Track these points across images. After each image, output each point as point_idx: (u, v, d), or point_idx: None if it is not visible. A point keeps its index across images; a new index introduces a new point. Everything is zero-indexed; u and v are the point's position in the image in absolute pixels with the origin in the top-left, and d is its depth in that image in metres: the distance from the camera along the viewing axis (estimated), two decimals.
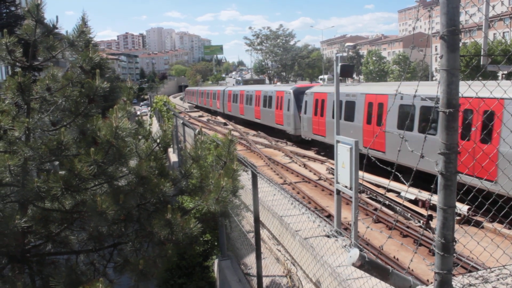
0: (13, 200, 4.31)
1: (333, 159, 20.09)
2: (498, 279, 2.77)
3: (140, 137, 4.95)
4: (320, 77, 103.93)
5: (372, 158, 3.62)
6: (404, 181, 3.13)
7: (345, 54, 10.18)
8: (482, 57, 2.91)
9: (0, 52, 4.47)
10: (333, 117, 22.24)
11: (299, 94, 29.54)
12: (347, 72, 10.42)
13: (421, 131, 16.95)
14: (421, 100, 16.14)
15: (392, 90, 18.85)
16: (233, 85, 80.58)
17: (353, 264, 2.52)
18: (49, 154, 4.06)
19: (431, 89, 11.92)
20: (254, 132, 37.60)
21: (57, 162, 4.64)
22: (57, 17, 4.72)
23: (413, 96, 3.23)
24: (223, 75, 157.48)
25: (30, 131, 4.23)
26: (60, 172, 4.31)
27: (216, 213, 4.53)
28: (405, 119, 17.79)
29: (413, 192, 15.64)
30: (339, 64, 10.10)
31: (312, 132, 26.53)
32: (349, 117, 21.74)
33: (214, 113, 56.54)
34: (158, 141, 4.94)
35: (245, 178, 6.81)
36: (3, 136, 4.30)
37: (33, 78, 4.73)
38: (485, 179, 11.32)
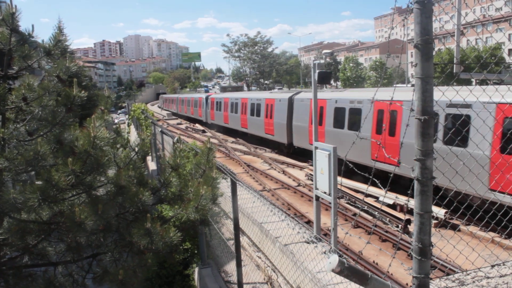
0: None
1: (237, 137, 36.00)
2: (473, 282, 2.82)
3: (118, 145, 4.92)
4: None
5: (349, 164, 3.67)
6: (381, 187, 3.18)
7: (322, 61, 10.28)
8: (455, 65, 2.97)
9: None
10: (217, 110, 45.36)
11: (209, 98, 49.19)
12: (325, 78, 10.54)
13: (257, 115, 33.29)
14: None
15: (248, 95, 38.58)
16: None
17: (333, 270, 2.54)
18: (26, 165, 4.00)
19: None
20: (233, 139, 37.65)
21: (33, 172, 4.58)
22: (32, 26, 4.66)
23: None
24: (201, 83, 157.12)
25: (5, 142, 4.16)
26: (37, 182, 4.26)
27: (195, 221, 4.52)
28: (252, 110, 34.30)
29: (391, 197, 15.83)
30: (317, 71, 10.20)
31: (210, 119, 47.96)
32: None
33: (175, 114, 72.39)
34: (136, 149, 4.91)
35: (224, 185, 6.82)
36: None
37: (8, 87, 4.66)
38: None
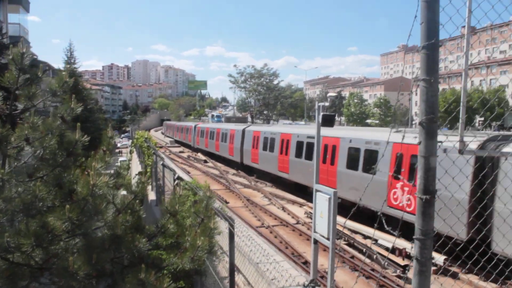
0: None
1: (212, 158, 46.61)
2: None
3: (117, 187, 4.87)
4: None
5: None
6: (369, 227, 3.14)
7: (327, 104, 10.34)
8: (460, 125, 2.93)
9: None
10: (201, 137, 56.18)
11: (196, 127, 58.82)
12: (328, 121, 10.59)
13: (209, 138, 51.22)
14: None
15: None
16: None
17: None
18: (23, 207, 3.97)
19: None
20: (234, 171, 37.60)
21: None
22: (41, 66, 4.72)
23: None
24: (212, 112, 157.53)
25: (4, 182, 4.14)
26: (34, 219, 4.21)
27: (190, 271, 4.45)
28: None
29: (390, 240, 15.66)
30: (321, 113, 10.25)
31: (196, 144, 57.56)
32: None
33: (176, 141, 77.98)
34: (135, 193, 4.87)
35: (223, 224, 6.81)
36: None
37: (12, 125, 4.67)
38: None
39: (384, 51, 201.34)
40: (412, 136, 15.18)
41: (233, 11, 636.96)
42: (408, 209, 16.11)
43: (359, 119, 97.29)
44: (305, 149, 25.65)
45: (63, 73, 4.82)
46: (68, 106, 4.59)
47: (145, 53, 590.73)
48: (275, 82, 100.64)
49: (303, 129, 29.57)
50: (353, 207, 4.23)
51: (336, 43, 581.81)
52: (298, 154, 26.38)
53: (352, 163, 20.45)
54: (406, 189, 16.68)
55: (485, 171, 11.82)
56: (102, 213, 4.04)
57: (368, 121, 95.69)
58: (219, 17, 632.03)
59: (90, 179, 3.82)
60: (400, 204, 16.84)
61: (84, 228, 4.04)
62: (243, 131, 37.31)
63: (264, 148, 31.85)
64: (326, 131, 22.24)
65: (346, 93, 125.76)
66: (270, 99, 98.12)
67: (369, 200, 17.15)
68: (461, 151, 2.70)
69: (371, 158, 19.38)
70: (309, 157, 24.73)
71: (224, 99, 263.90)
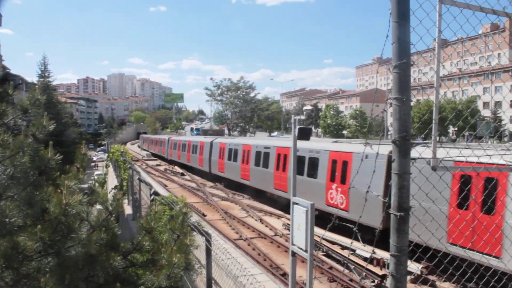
0: None
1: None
2: None
3: (92, 204, 4.79)
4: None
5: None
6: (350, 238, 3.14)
7: (303, 117, 10.39)
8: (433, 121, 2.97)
9: None
10: (173, 149, 59.06)
11: (170, 140, 60.99)
12: (305, 135, 10.61)
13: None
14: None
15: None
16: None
17: None
18: None
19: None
20: (211, 184, 37.44)
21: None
22: (12, 83, 4.64)
23: None
24: (183, 123, 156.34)
25: None
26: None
27: None
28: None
29: (368, 250, 15.74)
30: (297, 127, 10.28)
31: (169, 156, 59.65)
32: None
33: (153, 154, 78.29)
34: (110, 209, 4.79)
35: (200, 238, 6.74)
36: None
37: None
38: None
39: (359, 64, 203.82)
40: (349, 146, 21.06)
41: (209, 24, 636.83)
42: (341, 207, 19.60)
43: (335, 130, 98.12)
44: (262, 158, 28.58)
45: (36, 87, 4.75)
46: (40, 123, 4.51)
47: (121, 67, 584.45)
48: (252, 94, 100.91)
49: (262, 141, 33.10)
50: None
51: (311, 56, 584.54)
52: (257, 163, 29.31)
53: (299, 169, 22.56)
54: (339, 189, 19.94)
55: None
56: (75, 231, 3.96)
57: (345, 132, 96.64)
58: (195, 30, 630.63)
59: (63, 198, 3.75)
60: (335, 203, 20.14)
61: (57, 247, 3.95)
62: (211, 143, 40.07)
63: (229, 158, 34.85)
64: (279, 142, 28.58)
65: (322, 105, 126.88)
66: (247, 111, 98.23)
67: (312, 201, 19.53)
68: (434, 168, 2.73)
69: (313, 164, 22.29)
70: (265, 165, 28.09)
71: (201, 112, 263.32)
